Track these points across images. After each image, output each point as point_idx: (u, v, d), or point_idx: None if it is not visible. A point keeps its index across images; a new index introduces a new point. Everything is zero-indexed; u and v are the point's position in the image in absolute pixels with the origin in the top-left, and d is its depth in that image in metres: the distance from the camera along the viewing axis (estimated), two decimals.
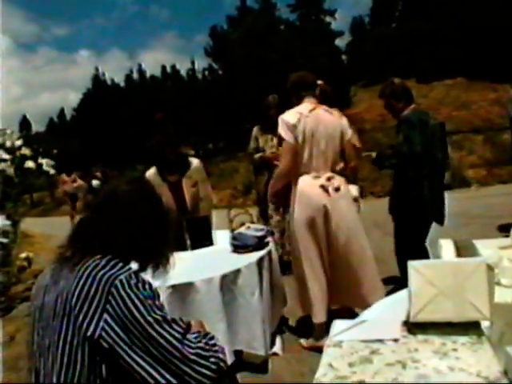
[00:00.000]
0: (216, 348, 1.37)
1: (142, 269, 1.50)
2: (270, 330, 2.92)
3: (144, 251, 1.48)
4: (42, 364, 1.32)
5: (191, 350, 1.29)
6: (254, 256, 2.95)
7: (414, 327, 1.23)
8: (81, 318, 1.24)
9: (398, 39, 24.98)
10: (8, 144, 4.38)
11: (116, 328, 1.23)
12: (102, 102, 31.42)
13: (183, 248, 3.32)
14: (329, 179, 3.08)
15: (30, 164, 4.35)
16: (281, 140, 3.14)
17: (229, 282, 2.71)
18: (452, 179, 8.50)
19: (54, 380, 1.26)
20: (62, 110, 43.53)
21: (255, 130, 5.01)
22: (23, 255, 4.79)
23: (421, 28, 22.68)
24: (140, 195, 1.49)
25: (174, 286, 2.57)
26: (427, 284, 1.20)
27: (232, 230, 3.38)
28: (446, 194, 3.67)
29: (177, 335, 1.28)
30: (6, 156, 4.54)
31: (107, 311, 1.24)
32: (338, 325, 1.35)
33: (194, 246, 3.35)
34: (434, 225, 3.57)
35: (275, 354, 3.06)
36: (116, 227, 1.41)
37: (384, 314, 1.40)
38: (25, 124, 46.00)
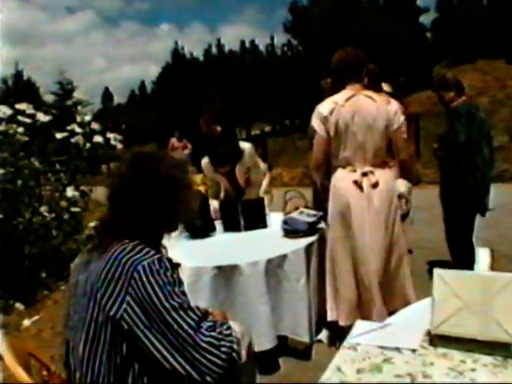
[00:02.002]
0: (230, 338, 1.39)
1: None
2: (315, 317, 2.91)
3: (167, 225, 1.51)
4: (72, 336, 1.41)
5: (204, 338, 1.32)
6: (303, 242, 2.92)
7: (435, 339, 1.17)
8: (105, 298, 1.31)
9: (488, 16, 23.32)
10: (78, 119, 4.60)
11: (137, 310, 1.28)
12: (181, 76, 32.03)
13: (237, 228, 3.35)
14: (365, 174, 2.84)
15: (98, 138, 4.54)
16: (313, 132, 2.95)
17: (274, 266, 2.71)
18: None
19: (80, 353, 1.35)
20: (142, 83, 45.01)
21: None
22: (92, 224, 5.03)
23: None
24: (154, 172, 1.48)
25: (219, 267, 2.63)
26: (452, 295, 1.13)
27: (287, 213, 3.34)
28: (496, 187, 3.79)
29: (191, 322, 1.31)
30: (78, 130, 4.77)
31: (130, 294, 1.29)
32: (360, 326, 1.31)
33: (248, 227, 3.36)
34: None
35: (320, 341, 3.02)
36: (141, 210, 1.42)
37: (409, 321, 1.34)
38: (107, 96, 48.13)
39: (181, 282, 1.38)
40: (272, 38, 33.20)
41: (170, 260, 1.44)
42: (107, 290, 1.31)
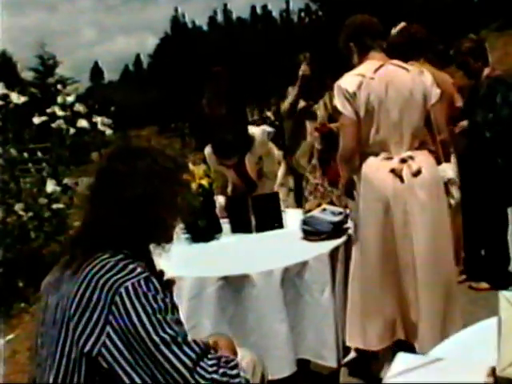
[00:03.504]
0: (237, 380, 1.29)
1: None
2: (343, 337, 2.80)
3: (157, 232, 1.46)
4: (40, 375, 1.33)
5: (202, 382, 1.22)
6: (327, 246, 2.83)
7: (504, 382, 1.05)
8: (80, 329, 1.24)
9: None
10: (59, 100, 4.52)
11: (119, 344, 1.21)
12: (182, 48, 32.04)
13: (247, 229, 3.27)
14: (404, 160, 2.73)
15: (83, 123, 4.45)
16: (338, 113, 2.84)
17: (293, 276, 2.63)
18: None
19: None
20: (138, 56, 45.19)
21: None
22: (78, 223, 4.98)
23: None
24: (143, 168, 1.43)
25: (226, 278, 2.56)
26: None
27: (307, 211, 3.27)
28: None
29: (187, 361, 1.22)
30: (60, 113, 4.69)
31: (110, 324, 1.22)
32: (402, 360, 1.20)
33: (260, 228, 3.28)
34: None
35: (348, 365, 2.96)
36: (123, 212, 1.37)
37: (464, 353, 1.23)
38: (97, 72, 48.36)
39: (175, 308, 1.29)
40: (287, 3, 33.10)
41: (160, 278, 1.38)
42: (81, 319, 1.23)
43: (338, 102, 2.77)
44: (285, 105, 4.80)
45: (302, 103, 4.72)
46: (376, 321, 2.77)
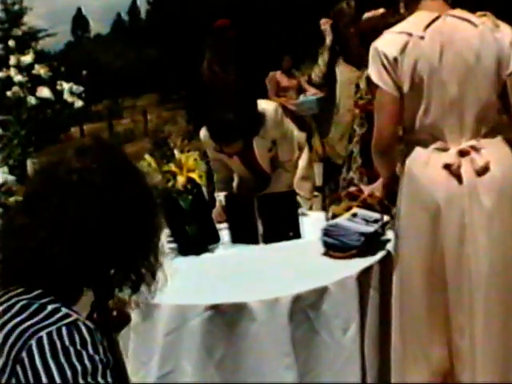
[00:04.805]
0: None
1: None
2: None
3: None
4: None
5: None
6: (356, 266, 2.78)
7: None
8: None
9: None
10: (12, 61, 4.49)
11: None
12: None
13: (252, 239, 3.27)
14: (464, 153, 2.64)
15: (43, 91, 4.41)
16: (373, 87, 2.79)
17: (306, 307, 2.59)
18: None
19: None
20: (133, 3, 45.48)
21: None
22: None
23: None
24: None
25: (216, 307, 2.54)
26: None
27: (332, 216, 3.24)
28: None
29: None
30: (18, 77, 4.67)
31: None
32: None
33: (269, 238, 3.27)
34: None
35: None
36: (63, 232, 1.33)
37: None
38: (80, 22, 48.84)
39: (107, 368, 1.22)
40: None
41: (105, 317, 1.38)
42: None
43: (373, 72, 2.71)
44: (315, 72, 4.77)
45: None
46: (420, 371, 2.75)
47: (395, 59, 2.63)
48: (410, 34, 2.63)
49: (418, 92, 2.66)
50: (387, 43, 2.68)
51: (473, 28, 2.66)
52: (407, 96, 2.67)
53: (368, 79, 2.82)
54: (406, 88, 2.65)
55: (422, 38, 2.62)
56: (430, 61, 2.62)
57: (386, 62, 2.65)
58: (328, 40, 4.61)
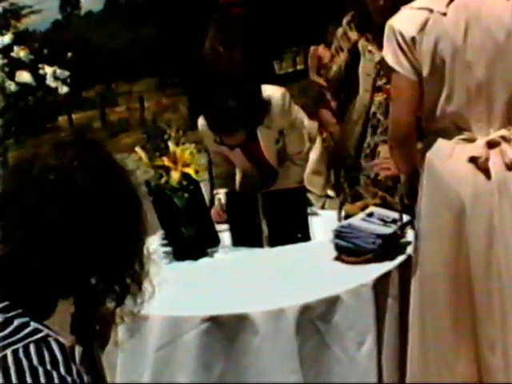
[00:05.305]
0: None
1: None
2: None
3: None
4: None
5: None
6: (372, 272, 2.77)
7: None
8: None
9: None
10: None
11: None
12: None
13: (255, 242, 3.26)
14: (493, 144, 2.61)
15: (23, 75, 4.42)
16: (388, 70, 2.76)
17: (315, 318, 2.58)
18: None
19: None
20: None
21: None
22: None
23: None
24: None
25: (214, 319, 2.54)
26: None
27: (346, 216, 3.23)
28: None
29: None
30: None
31: None
32: None
33: (275, 240, 3.26)
34: None
35: None
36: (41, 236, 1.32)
37: None
38: None
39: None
40: None
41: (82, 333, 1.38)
42: None
43: (389, 53, 2.69)
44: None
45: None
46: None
47: (413, 39, 2.60)
48: (430, 10, 2.60)
49: (439, 76, 2.63)
50: (404, 21, 2.67)
51: (503, 1, 2.63)
52: (427, 80, 2.65)
53: (383, 62, 2.78)
54: (425, 71, 2.63)
55: (444, 14, 2.59)
56: (454, 40, 2.59)
57: (402, 42, 2.62)
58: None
